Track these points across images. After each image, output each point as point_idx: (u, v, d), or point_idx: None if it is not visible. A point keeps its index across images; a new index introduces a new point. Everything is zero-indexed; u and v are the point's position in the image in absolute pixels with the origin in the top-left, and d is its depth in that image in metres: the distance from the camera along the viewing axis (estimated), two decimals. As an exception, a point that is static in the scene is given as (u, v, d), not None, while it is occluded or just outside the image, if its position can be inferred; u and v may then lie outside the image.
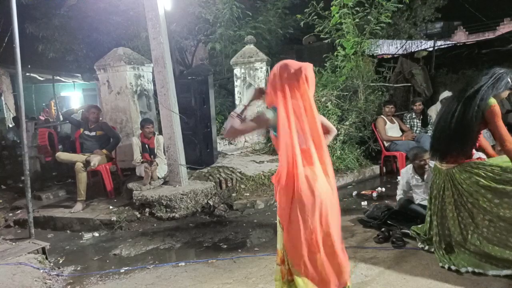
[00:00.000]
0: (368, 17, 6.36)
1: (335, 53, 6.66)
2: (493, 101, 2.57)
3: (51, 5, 8.70)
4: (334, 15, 6.39)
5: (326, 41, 7.05)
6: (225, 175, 5.25)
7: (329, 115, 6.09)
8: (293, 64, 1.99)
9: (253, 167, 5.69)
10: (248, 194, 4.97)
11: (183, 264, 3.32)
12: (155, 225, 4.44)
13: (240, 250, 3.57)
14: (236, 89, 7.37)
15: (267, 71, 7.24)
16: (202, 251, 3.61)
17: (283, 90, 1.92)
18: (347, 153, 5.97)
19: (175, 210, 4.53)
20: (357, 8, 6.29)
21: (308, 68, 1.99)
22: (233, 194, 4.91)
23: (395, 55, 9.44)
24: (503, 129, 2.55)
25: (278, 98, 1.92)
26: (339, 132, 6.08)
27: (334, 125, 6.07)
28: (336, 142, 6.04)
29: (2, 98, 13.57)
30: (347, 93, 6.37)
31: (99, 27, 8.82)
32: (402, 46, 10.00)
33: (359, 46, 6.43)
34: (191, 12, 8.17)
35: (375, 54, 7.65)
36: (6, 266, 3.23)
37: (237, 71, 7.28)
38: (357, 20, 6.35)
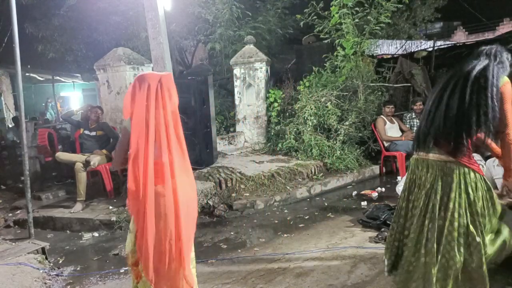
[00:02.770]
0: (368, 17, 6.36)
1: (335, 53, 6.67)
2: (506, 78, 2.14)
3: (50, 5, 8.70)
4: (333, 15, 6.40)
5: (325, 41, 7.06)
6: (225, 175, 5.25)
7: (329, 115, 6.10)
8: (153, 76, 1.97)
9: (252, 167, 5.70)
10: (247, 194, 4.97)
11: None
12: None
13: (240, 250, 3.57)
14: (236, 89, 7.38)
15: (267, 71, 7.24)
16: (202, 251, 3.61)
17: (142, 102, 1.91)
18: (346, 153, 5.97)
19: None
20: (357, 8, 6.30)
21: (168, 79, 1.99)
22: (233, 194, 4.91)
23: (395, 55, 9.44)
24: (510, 113, 2.09)
25: (136, 110, 1.92)
26: (339, 132, 6.09)
27: (334, 125, 6.13)
28: (336, 142, 6.05)
29: (2, 98, 13.56)
30: (346, 93, 6.38)
31: (99, 27, 8.82)
32: (402, 46, 10.01)
33: (358, 46, 6.44)
34: (191, 12, 8.17)
35: (374, 54, 7.66)
36: (6, 266, 3.23)
37: (236, 71, 7.29)
38: (356, 20, 6.36)
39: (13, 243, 4.06)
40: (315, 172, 5.68)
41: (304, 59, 8.27)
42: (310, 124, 6.20)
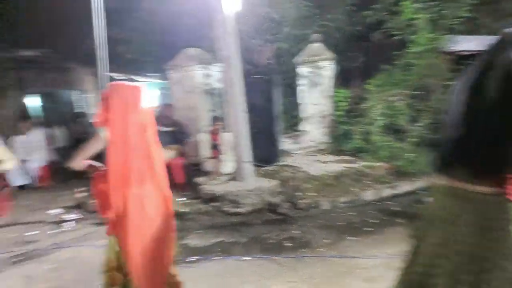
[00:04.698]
0: (444, 11, 5.95)
1: (407, 50, 6.35)
2: None
3: (130, 9, 9.37)
4: (405, 10, 6.09)
5: (396, 37, 6.74)
6: (289, 174, 5.27)
7: (400, 115, 5.83)
8: (126, 87, 2.08)
9: (318, 166, 5.65)
10: (312, 193, 4.94)
11: (249, 258, 3.41)
12: (221, 219, 4.60)
13: (304, 250, 3.57)
14: (301, 88, 7.35)
15: (333, 70, 7.12)
16: (267, 248, 3.67)
17: (119, 110, 1.99)
18: (420, 156, 5.65)
19: (241, 206, 4.66)
20: (432, 3, 5.92)
21: (140, 90, 2.11)
22: (298, 193, 4.92)
23: (476, 52, 8.71)
24: None
25: (112, 118, 1.98)
26: (411, 134, 5.79)
27: (404, 125, 5.83)
28: (408, 144, 5.76)
29: (87, 96, 14.92)
30: (420, 93, 6.03)
31: (172, 29, 9.30)
32: (484, 43, 9.20)
33: (434, 42, 6.06)
34: (258, 12, 8.29)
35: (452, 51, 7.15)
36: (93, 247, 3.58)
37: (302, 70, 7.26)
38: (431, 15, 5.98)
39: (99, 226, 4.46)
40: (384, 175, 5.47)
41: (372, 57, 7.99)
42: (379, 124, 5.98)
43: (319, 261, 3.28)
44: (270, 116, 5.84)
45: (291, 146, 7.05)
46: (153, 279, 2.12)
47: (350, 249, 3.50)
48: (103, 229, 4.18)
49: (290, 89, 8.80)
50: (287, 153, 6.68)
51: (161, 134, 5.92)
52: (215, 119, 5.47)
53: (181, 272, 3.19)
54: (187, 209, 4.67)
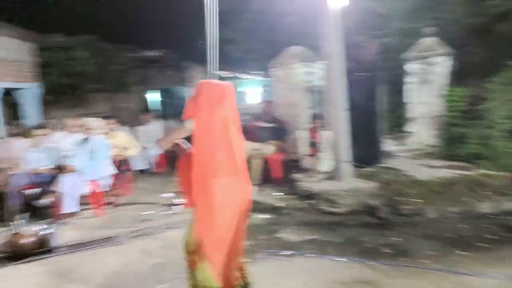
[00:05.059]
0: None
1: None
2: None
3: (238, 10, 9.85)
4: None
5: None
6: (390, 176, 5.00)
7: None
8: (214, 85, 2.22)
9: (423, 171, 5.23)
10: (416, 199, 4.60)
11: (343, 259, 3.35)
12: (317, 217, 4.59)
13: (404, 258, 3.36)
14: (409, 86, 6.87)
15: (447, 67, 6.49)
16: (362, 251, 3.55)
17: (206, 106, 2.13)
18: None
19: (337, 206, 4.58)
20: None
21: (230, 88, 2.22)
22: (400, 198, 4.63)
23: None
24: None
25: (201, 113, 2.13)
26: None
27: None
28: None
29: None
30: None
31: (277, 28, 9.52)
32: None
33: None
34: (364, 7, 7.97)
35: None
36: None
37: (411, 66, 6.77)
38: None
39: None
40: (505, 185, 4.81)
41: (496, 52, 7.04)
42: (503, 128, 5.27)
43: (420, 272, 3.06)
44: (372, 115, 5.60)
45: (394, 147, 6.65)
46: (226, 266, 2.22)
47: (458, 264, 3.18)
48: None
49: (396, 87, 8.28)
50: (389, 154, 6.32)
51: (262, 129, 6.17)
52: (315, 116, 5.47)
53: (274, 265, 3.31)
54: (282, 204, 4.77)
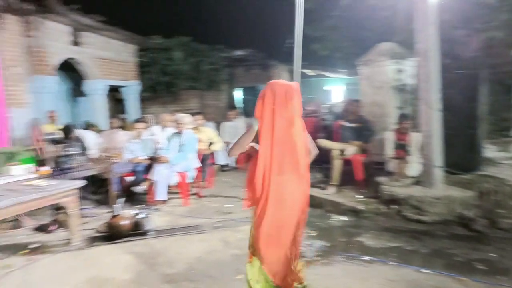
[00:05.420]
0: None
1: None
2: None
3: (326, 7, 9.69)
4: None
5: None
6: (490, 186, 4.48)
7: None
8: (280, 84, 2.22)
9: (532, 182, 4.60)
10: (520, 213, 4.08)
11: (429, 272, 3.11)
12: (400, 223, 4.34)
13: (500, 277, 3.00)
14: (519, 86, 6.08)
15: None
16: (452, 265, 3.26)
17: (272, 106, 2.15)
18: None
19: (424, 214, 4.27)
20: None
21: (297, 88, 2.22)
22: (500, 210, 4.14)
23: None
24: None
25: (265, 113, 2.15)
26: None
27: None
28: None
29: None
30: None
31: (366, 24, 9.16)
32: None
33: None
34: (467, -2, 7.22)
35: None
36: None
37: (523, 63, 5.98)
38: None
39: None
40: None
41: None
42: None
43: (521, 295, 2.71)
44: (470, 116, 5.06)
45: (496, 154, 5.95)
46: (282, 263, 2.21)
47: None
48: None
49: (502, 86, 7.39)
50: (490, 161, 5.67)
51: (345, 129, 6.00)
52: (403, 117, 5.14)
53: (351, 269, 3.21)
54: (363, 207, 4.60)
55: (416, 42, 4.65)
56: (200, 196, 5.68)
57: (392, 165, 4.97)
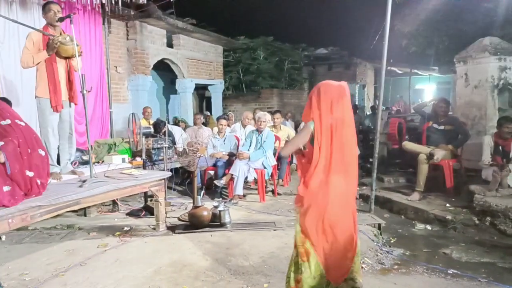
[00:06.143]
0: None
1: None
2: None
3: (420, 0, 9.05)
4: None
5: None
6: None
7: None
8: (330, 85, 2.22)
9: None
10: None
11: (526, 294, 2.75)
12: (495, 237, 3.90)
13: None
14: None
15: None
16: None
17: (322, 107, 2.16)
18: None
19: (526, 229, 3.77)
20: None
21: (346, 88, 2.22)
22: None
23: None
24: None
25: (319, 113, 2.17)
26: None
27: None
28: None
29: (365, 89, 15.77)
30: None
31: (465, 17, 8.35)
32: None
33: None
34: None
35: None
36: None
37: None
38: None
39: (357, 213, 4.75)
40: None
41: None
42: None
43: None
44: None
45: None
46: (338, 259, 2.20)
47: None
48: (361, 215, 4.43)
49: None
50: None
51: (435, 131, 5.57)
52: (505, 119, 4.58)
53: (434, 282, 2.98)
54: (451, 217, 4.22)
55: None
56: (276, 194, 5.74)
57: (488, 173, 4.47)
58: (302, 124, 2.34)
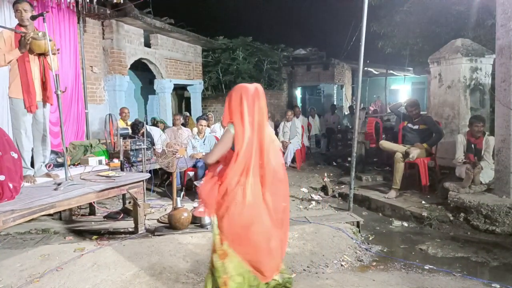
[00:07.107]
0: None
1: None
2: None
3: (395, 2, 9.25)
4: None
5: None
6: None
7: None
8: (245, 88, 2.23)
9: None
10: None
11: (498, 286, 2.86)
12: (468, 233, 4.03)
13: None
14: None
15: None
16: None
17: (243, 109, 2.17)
18: None
19: (496, 224, 3.92)
20: None
21: (260, 90, 2.26)
22: None
23: None
24: None
25: (238, 116, 2.18)
26: None
27: None
28: None
29: (343, 89, 16.02)
30: None
31: (438, 19, 8.59)
32: None
33: None
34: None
35: None
36: (329, 227, 3.91)
37: None
38: None
39: (336, 211, 4.83)
40: None
41: None
42: None
43: None
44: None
45: None
46: (255, 261, 2.21)
47: None
48: (340, 213, 4.50)
49: None
50: None
51: (409, 130, 5.69)
52: (476, 118, 4.74)
53: (411, 277, 3.05)
54: (426, 213, 4.34)
55: (495, 38, 4.28)
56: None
57: (462, 170, 4.62)
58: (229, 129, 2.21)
